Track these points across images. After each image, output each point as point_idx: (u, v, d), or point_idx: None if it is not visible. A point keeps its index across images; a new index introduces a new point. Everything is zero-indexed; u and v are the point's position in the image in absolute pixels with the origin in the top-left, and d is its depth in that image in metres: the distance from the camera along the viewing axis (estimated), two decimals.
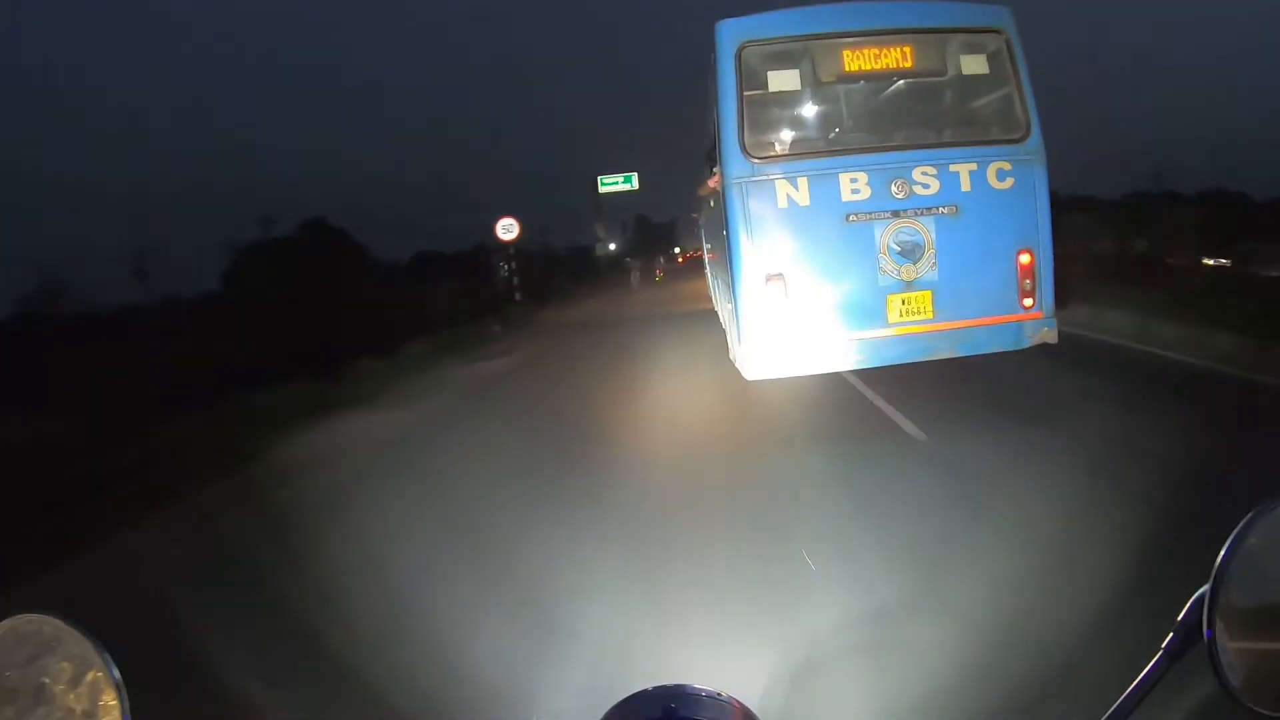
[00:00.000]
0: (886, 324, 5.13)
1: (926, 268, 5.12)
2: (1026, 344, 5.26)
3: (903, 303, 5.13)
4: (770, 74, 5.24)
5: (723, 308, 8.42)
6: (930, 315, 5.14)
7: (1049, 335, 5.32)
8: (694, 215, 16.05)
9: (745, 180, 5.13)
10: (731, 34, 5.18)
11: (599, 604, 3.01)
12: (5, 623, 0.69)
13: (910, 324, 5.14)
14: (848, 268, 5.11)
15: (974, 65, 5.37)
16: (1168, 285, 10.36)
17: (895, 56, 5.22)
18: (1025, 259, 5.19)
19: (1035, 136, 5.25)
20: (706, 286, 15.98)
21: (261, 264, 17.20)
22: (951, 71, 5.39)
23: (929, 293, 5.13)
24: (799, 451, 5.20)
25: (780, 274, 5.11)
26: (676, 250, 78.44)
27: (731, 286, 5.36)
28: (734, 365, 7.56)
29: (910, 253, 5.11)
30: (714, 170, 5.79)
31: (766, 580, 3.20)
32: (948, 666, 2.30)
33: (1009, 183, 5.17)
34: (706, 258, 12.70)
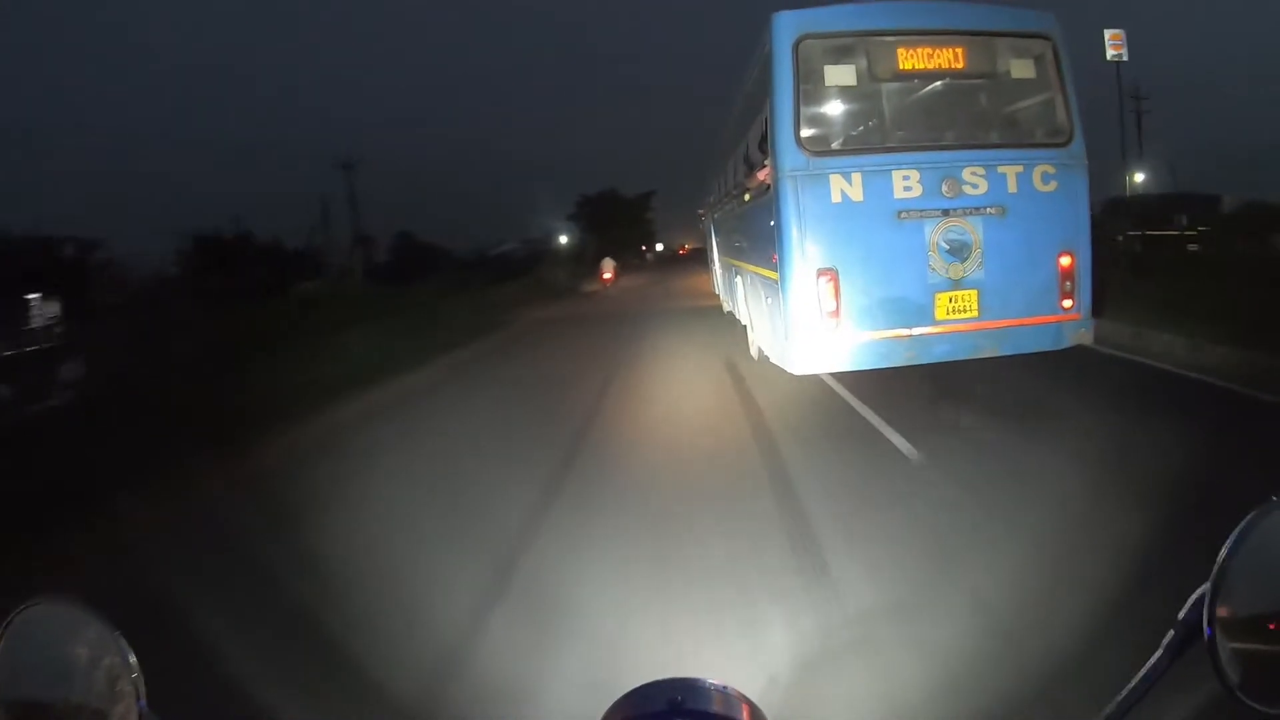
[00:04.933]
0: (934, 321, 5.18)
1: (973, 267, 5.18)
2: (1065, 344, 5.37)
3: (950, 301, 5.19)
4: (827, 68, 5.25)
5: (743, 303, 8.42)
6: (976, 314, 5.21)
7: (1085, 337, 5.45)
8: (699, 211, 16.08)
9: (800, 174, 5.13)
10: (789, 27, 5.17)
11: None
12: (24, 607, 0.69)
13: (957, 322, 5.20)
14: (898, 265, 5.14)
15: (1021, 69, 5.46)
16: None
17: (947, 57, 5.26)
18: (1066, 261, 5.30)
19: (1078, 141, 5.35)
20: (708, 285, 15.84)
21: None
22: (1000, 74, 5.46)
23: (975, 291, 5.20)
24: None
25: (832, 269, 5.12)
26: (658, 247, 58.00)
27: (781, 281, 5.35)
28: (754, 361, 7.61)
29: (958, 251, 5.17)
30: (764, 163, 5.76)
31: None
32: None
33: (1053, 186, 5.27)
34: (716, 253, 12.67)
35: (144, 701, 0.69)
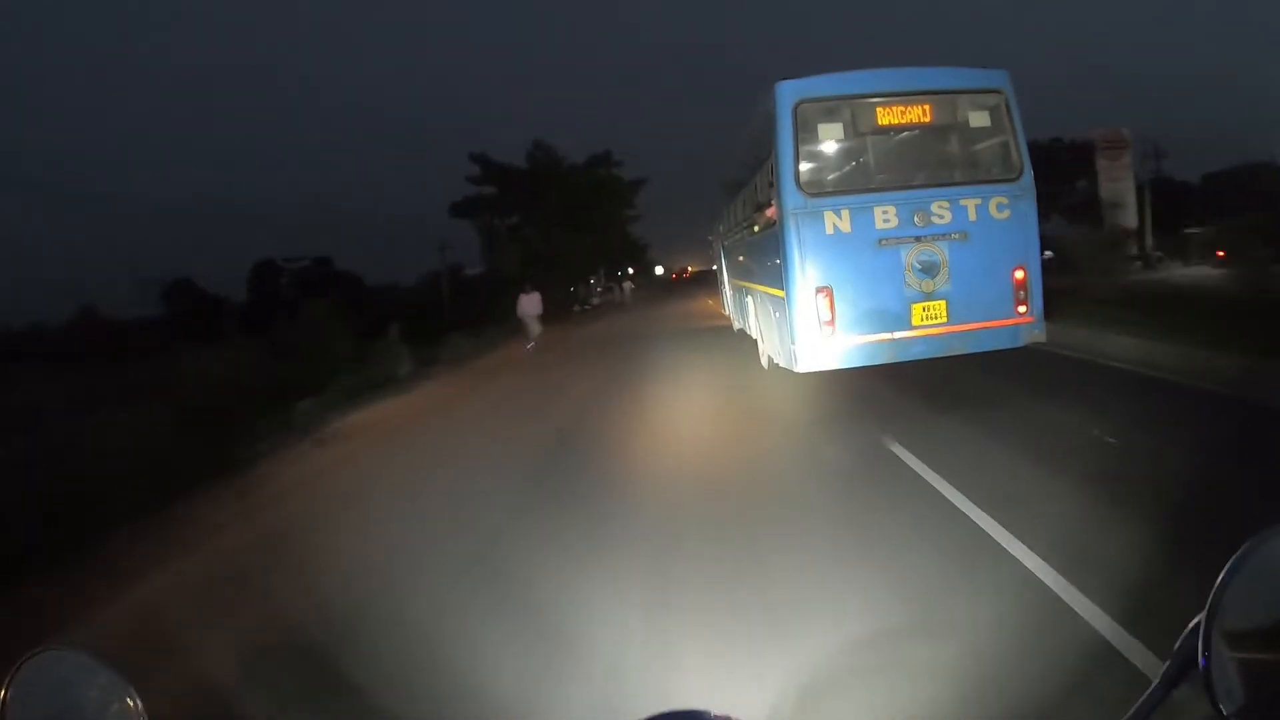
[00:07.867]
0: (911, 327, 6.42)
1: (942, 282, 6.42)
2: (1021, 343, 6.59)
3: (924, 310, 6.43)
4: (820, 125, 6.52)
5: (754, 319, 9.67)
6: (945, 320, 6.45)
7: (1039, 336, 6.66)
8: (710, 239, 17.37)
9: (800, 211, 6.39)
10: (790, 92, 6.44)
11: None
12: (32, 654, 0.70)
13: (930, 327, 6.44)
14: (880, 282, 6.38)
15: (979, 119, 6.71)
16: None
17: (918, 112, 6.52)
18: (1020, 275, 6.52)
19: (1027, 176, 6.58)
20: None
21: None
22: (961, 124, 6.70)
23: (944, 301, 6.43)
24: None
25: (828, 286, 6.38)
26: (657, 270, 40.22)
27: (786, 298, 6.60)
28: (762, 367, 8.83)
29: (929, 270, 6.41)
30: (770, 202, 7.02)
31: None
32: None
33: (1006, 214, 6.49)
34: (727, 278, 13.89)
35: None
